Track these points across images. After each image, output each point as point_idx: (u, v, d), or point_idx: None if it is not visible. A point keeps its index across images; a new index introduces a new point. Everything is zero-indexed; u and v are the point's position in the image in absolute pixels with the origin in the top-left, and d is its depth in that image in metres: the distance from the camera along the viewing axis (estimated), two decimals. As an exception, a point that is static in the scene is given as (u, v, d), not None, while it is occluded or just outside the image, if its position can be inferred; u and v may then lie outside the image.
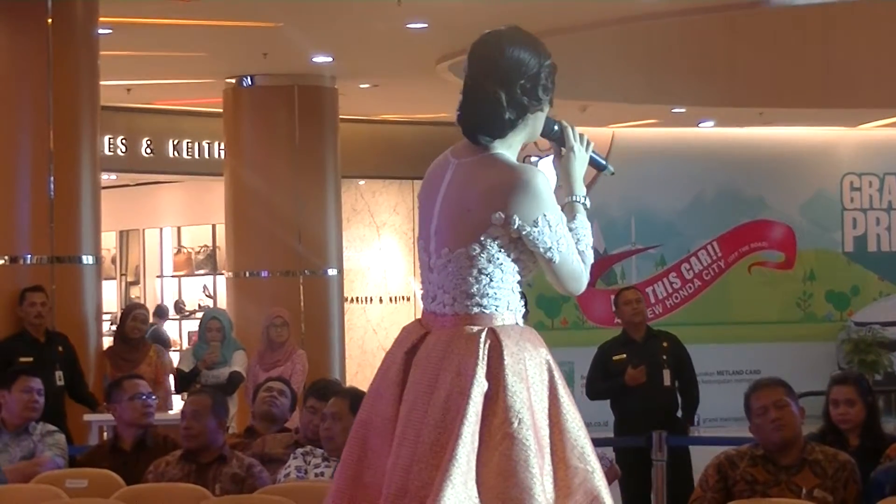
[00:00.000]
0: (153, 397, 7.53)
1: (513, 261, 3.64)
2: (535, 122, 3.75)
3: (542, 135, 3.84)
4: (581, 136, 3.86)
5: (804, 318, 16.95)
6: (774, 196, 16.84)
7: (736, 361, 16.05)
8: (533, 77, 3.68)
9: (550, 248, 3.62)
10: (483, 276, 3.62)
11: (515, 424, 3.49)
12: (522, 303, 3.77)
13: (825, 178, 17.13)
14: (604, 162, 4.00)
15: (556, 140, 3.87)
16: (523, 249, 3.64)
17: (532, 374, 3.58)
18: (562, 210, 3.71)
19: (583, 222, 3.78)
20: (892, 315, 17.04)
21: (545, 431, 3.56)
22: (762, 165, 16.72)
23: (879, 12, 12.91)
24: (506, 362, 3.54)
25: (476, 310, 3.62)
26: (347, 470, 3.65)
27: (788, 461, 6.03)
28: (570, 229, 3.72)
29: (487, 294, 3.62)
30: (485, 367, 3.53)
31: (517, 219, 3.57)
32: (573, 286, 3.73)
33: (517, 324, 3.66)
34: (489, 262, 3.61)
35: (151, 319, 17.98)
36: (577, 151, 3.84)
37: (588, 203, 3.82)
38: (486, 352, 3.54)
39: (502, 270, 3.63)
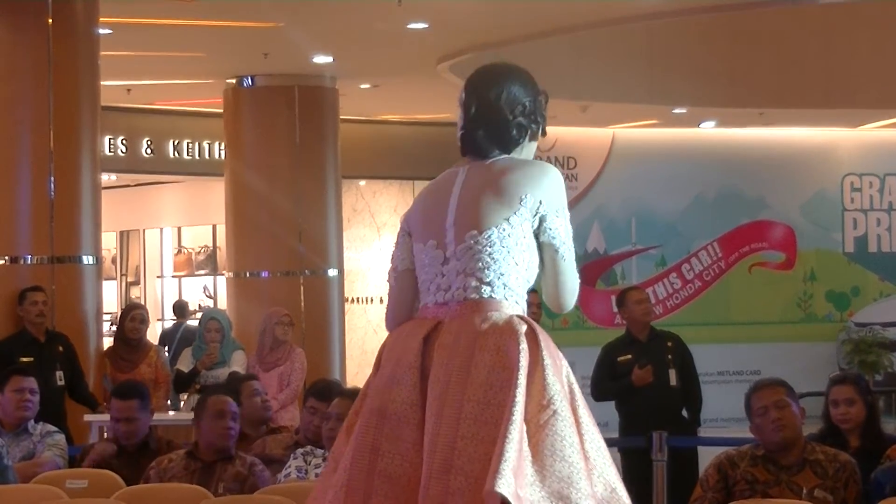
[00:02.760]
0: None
1: (532, 252, 3.74)
2: (528, 150, 3.88)
3: None
4: None
5: (804, 318, 16.96)
6: (775, 196, 16.85)
7: (736, 362, 16.05)
8: (529, 104, 3.83)
9: (564, 243, 3.74)
10: (510, 257, 3.70)
11: (558, 401, 3.56)
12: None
13: (826, 179, 17.14)
14: None
15: None
16: (535, 245, 3.74)
17: (558, 361, 3.66)
18: None
19: None
20: (892, 316, 17.05)
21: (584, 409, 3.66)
22: (763, 166, 16.73)
23: (880, 13, 12.91)
24: (542, 343, 3.62)
25: (499, 294, 3.70)
26: (360, 460, 3.64)
27: (789, 461, 6.03)
28: None
29: (512, 275, 3.71)
30: (526, 344, 3.59)
31: (544, 203, 3.70)
32: (567, 298, 3.82)
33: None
34: (516, 244, 3.71)
35: (175, 318, 18.07)
36: None
37: None
38: (524, 330, 3.62)
39: (524, 258, 3.72)
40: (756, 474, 6.04)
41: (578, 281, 3.82)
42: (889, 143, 17.47)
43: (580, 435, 3.59)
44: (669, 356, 9.35)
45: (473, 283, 3.70)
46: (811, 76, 14.65)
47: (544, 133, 3.90)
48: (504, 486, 3.36)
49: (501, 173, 3.75)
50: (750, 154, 16.75)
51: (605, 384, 9.33)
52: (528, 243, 3.72)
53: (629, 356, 9.28)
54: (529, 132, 3.84)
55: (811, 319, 16.98)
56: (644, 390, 9.15)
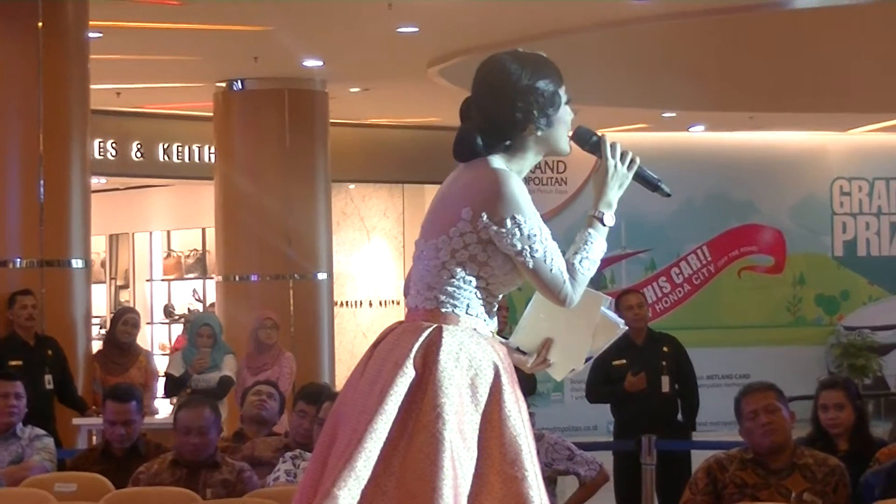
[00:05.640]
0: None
1: (479, 263, 3.64)
2: (540, 141, 3.73)
3: (579, 143, 3.83)
4: (624, 153, 3.83)
5: (794, 322, 16.98)
6: (764, 200, 16.87)
7: (726, 365, 16.05)
8: (508, 100, 3.68)
9: (522, 250, 3.60)
10: (444, 271, 3.64)
11: (437, 422, 3.50)
12: (493, 319, 3.71)
13: (815, 183, 17.17)
14: (656, 180, 3.90)
15: (594, 152, 3.83)
16: (494, 254, 3.64)
17: (469, 377, 3.59)
18: (587, 222, 3.75)
19: (589, 235, 3.75)
20: (881, 319, 17.08)
21: (473, 436, 3.55)
22: (752, 170, 16.75)
23: (871, 17, 12.91)
24: (440, 360, 3.55)
25: (432, 304, 3.64)
26: (319, 455, 3.66)
27: (778, 465, 6.03)
28: (575, 240, 3.74)
29: (446, 291, 3.64)
30: (412, 362, 3.55)
31: (484, 216, 3.59)
32: (552, 297, 3.70)
33: (475, 330, 3.65)
34: (452, 256, 3.63)
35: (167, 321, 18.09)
36: (611, 168, 3.81)
37: (606, 220, 3.78)
38: (422, 346, 3.57)
39: (465, 270, 3.64)
40: (745, 478, 6.04)
41: (565, 275, 3.67)
42: (878, 146, 17.50)
43: (499, 447, 3.54)
44: (664, 362, 9.31)
45: (414, 291, 3.69)
46: (801, 80, 14.67)
47: (538, 124, 3.70)
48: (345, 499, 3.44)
49: (461, 180, 3.69)
50: (739, 158, 16.77)
51: (598, 388, 9.33)
52: (468, 254, 3.61)
53: (623, 361, 9.24)
54: (514, 130, 3.68)
55: (800, 323, 17.00)
56: (636, 396, 9.13)
